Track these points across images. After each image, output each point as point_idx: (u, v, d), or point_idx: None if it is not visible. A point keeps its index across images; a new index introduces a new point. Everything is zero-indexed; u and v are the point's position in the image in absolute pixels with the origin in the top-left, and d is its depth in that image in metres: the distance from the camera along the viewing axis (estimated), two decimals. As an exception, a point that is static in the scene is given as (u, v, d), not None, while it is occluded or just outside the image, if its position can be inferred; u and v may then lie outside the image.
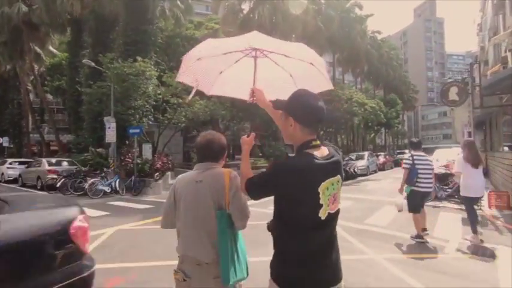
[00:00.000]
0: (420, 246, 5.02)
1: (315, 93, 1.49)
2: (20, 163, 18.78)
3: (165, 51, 20.78)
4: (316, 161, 1.36)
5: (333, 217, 1.41)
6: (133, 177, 13.15)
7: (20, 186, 16.21)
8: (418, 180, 5.18)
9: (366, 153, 22.91)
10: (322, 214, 1.35)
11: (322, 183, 1.34)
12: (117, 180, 12.58)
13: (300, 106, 1.41)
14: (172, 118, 15.43)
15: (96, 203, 10.21)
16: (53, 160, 16.87)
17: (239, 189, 1.61)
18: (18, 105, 29.56)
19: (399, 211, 5.70)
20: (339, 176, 1.42)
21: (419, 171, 5.19)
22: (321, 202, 1.34)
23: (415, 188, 5.20)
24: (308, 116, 1.41)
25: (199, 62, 1.86)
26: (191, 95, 2.29)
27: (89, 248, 2.47)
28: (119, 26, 16.18)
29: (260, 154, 40.40)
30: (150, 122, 16.47)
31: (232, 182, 1.66)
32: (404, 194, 5.41)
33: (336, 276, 1.41)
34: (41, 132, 25.22)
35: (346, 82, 34.45)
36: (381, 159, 25.94)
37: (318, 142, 1.41)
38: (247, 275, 1.68)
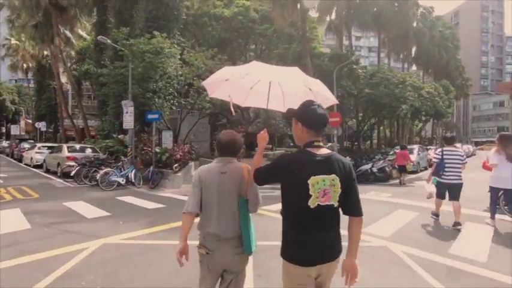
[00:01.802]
0: None
1: (319, 103, 1.82)
2: (49, 148, 18.57)
3: (191, 31, 19.23)
4: (312, 157, 1.71)
5: (325, 208, 1.70)
6: (151, 168, 11.88)
7: (45, 172, 15.82)
8: (445, 173, 5.87)
9: (416, 147, 19.77)
10: (312, 203, 1.68)
11: (313, 176, 1.66)
12: (133, 171, 11.34)
13: (308, 114, 1.78)
14: (195, 103, 13.83)
15: (103, 198, 8.97)
16: (76, 146, 16.29)
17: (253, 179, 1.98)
18: (54, 90, 30.09)
19: (428, 198, 6.47)
20: (334, 175, 1.70)
21: (447, 164, 5.85)
22: (310, 193, 1.67)
23: (441, 180, 5.95)
24: (314, 122, 1.77)
25: (227, 82, 2.35)
26: (232, 109, 2.56)
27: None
28: (141, 1, 14.73)
29: (291, 144, 38.18)
30: (173, 108, 15.07)
31: (250, 175, 1.99)
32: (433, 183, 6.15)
33: (330, 255, 1.76)
34: (71, 117, 25.18)
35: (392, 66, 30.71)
36: (432, 154, 22.56)
37: (320, 143, 1.77)
38: (256, 247, 2.08)
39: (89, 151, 15.41)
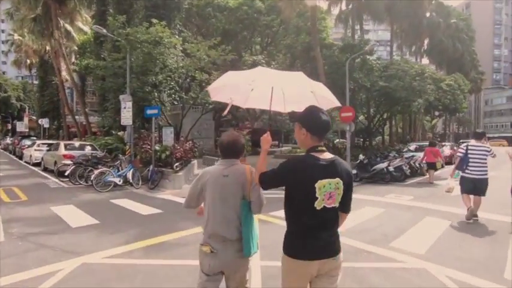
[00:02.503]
0: None
1: (323, 109, 1.92)
2: (48, 145, 17.96)
3: (194, 23, 18.31)
4: (317, 161, 1.79)
5: (330, 210, 1.80)
6: (150, 167, 11.10)
7: (42, 170, 15.19)
8: (469, 167, 5.90)
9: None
10: (318, 205, 1.76)
11: (319, 180, 1.74)
12: (131, 171, 10.57)
13: (312, 120, 1.85)
14: (198, 97, 12.95)
15: (96, 201, 8.21)
16: (75, 143, 15.63)
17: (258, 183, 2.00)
18: (57, 86, 29.52)
19: (446, 192, 6.50)
20: (338, 179, 1.79)
21: (471, 159, 5.88)
22: (316, 195, 1.74)
23: (465, 174, 5.98)
24: (317, 128, 1.84)
25: (229, 85, 2.46)
26: (226, 110, 2.67)
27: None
28: (140, -11, 13.85)
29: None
30: (175, 103, 14.23)
31: (253, 177, 2.04)
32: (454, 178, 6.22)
33: (332, 251, 1.85)
34: (73, 114, 24.58)
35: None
36: (446, 150, 21.35)
37: (324, 148, 1.85)
38: (257, 249, 2.11)
39: (88, 149, 14.69)
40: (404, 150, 17.33)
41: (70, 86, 28.57)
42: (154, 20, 11.22)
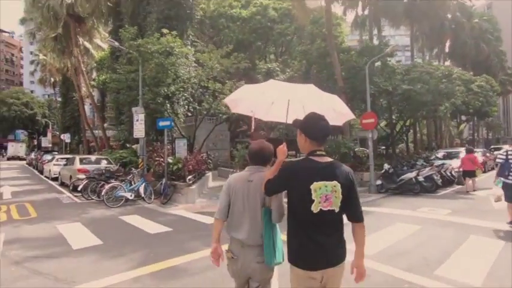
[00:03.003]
0: None
1: (321, 115, 1.92)
2: (66, 160, 18.13)
3: (207, 34, 18.22)
4: (313, 164, 1.83)
5: (327, 213, 1.78)
6: (163, 181, 10.71)
7: (60, 184, 15.22)
8: (511, 173, 5.72)
9: (462, 150, 17.31)
10: (314, 208, 1.76)
11: (315, 182, 1.77)
12: (143, 185, 10.21)
13: (310, 126, 1.91)
14: (211, 107, 12.57)
15: (105, 218, 7.82)
16: (91, 158, 15.60)
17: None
18: (77, 102, 30.36)
19: (496, 201, 6.61)
20: (335, 182, 1.79)
21: None
22: (312, 198, 1.76)
23: (507, 181, 5.78)
24: (315, 133, 1.90)
25: (248, 98, 2.54)
26: (252, 125, 2.90)
27: None
28: (153, 2, 13.83)
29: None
30: (189, 114, 13.93)
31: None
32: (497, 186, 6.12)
33: (334, 259, 1.81)
34: (91, 128, 25.02)
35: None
36: (479, 157, 19.78)
37: (322, 152, 1.88)
38: (283, 260, 2.03)
39: (104, 163, 14.63)
40: (431, 158, 16.13)
41: (91, 102, 29.38)
42: (165, 31, 11.05)
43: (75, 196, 11.35)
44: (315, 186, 1.75)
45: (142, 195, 10.03)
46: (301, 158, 1.93)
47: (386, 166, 12.01)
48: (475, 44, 30.37)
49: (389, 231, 6.05)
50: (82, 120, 27.27)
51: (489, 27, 32.08)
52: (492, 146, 31.08)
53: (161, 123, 11.03)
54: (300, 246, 1.80)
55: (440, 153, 17.64)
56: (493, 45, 33.50)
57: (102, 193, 9.41)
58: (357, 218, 1.86)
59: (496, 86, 23.16)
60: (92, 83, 23.90)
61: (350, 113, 2.46)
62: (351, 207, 1.85)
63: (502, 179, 5.91)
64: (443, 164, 13.32)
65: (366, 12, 20.94)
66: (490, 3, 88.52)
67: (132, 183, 10.64)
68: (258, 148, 2.18)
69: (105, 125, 28.51)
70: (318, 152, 1.86)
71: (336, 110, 2.34)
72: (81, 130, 30.23)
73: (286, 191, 1.91)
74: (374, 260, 4.36)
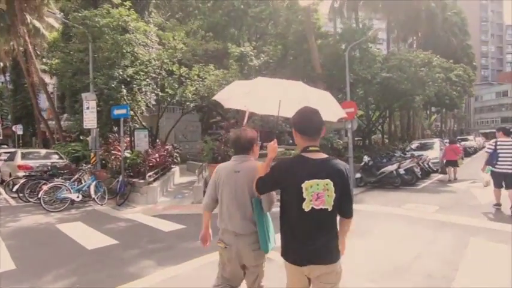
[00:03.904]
0: None
1: (314, 109, 1.86)
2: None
3: (176, 17, 16.43)
4: (305, 162, 1.77)
5: (319, 212, 1.74)
6: (120, 178, 9.27)
7: (0, 183, 13.13)
8: (498, 162, 6.27)
9: (436, 141, 17.21)
10: (306, 206, 1.73)
11: (306, 181, 1.73)
12: (94, 183, 8.71)
13: (301, 121, 1.85)
14: (175, 94, 11.12)
15: (37, 228, 6.32)
16: (40, 152, 13.58)
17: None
18: (32, 89, 27.18)
19: (485, 186, 7.07)
20: (328, 180, 1.74)
21: (500, 155, 6.25)
22: (304, 196, 1.72)
23: (495, 169, 6.36)
24: (306, 128, 1.83)
25: (242, 93, 2.54)
26: (245, 120, 2.65)
27: None
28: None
29: (290, 141, 35.55)
30: (152, 102, 12.38)
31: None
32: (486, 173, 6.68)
33: (323, 258, 1.77)
34: (44, 118, 22.43)
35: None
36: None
37: (316, 148, 1.81)
38: (275, 244, 2.09)
39: (55, 158, 12.81)
40: (407, 149, 15.86)
41: (43, 89, 26.34)
42: (116, 1, 9.35)
43: (13, 198, 9.59)
44: (306, 184, 1.73)
45: (93, 196, 8.55)
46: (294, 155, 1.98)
47: (366, 158, 11.36)
48: (446, 36, 30.86)
49: (377, 236, 5.22)
50: (35, 110, 24.39)
51: (458, 20, 32.75)
52: (458, 137, 32.25)
53: (116, 112, 9.48)
54: (291, 242, 1.82)
55: (414, 145, 17.50)
56: (461, 39, 34.40)
57: (39, 194, 7.82)
58: (347, 215, 1.88)
59: (473, 76, 23.40)
60: (43, 67, 21.18)
61: (342, 111, 2.44)
62: (343, 205, 1.83)
63: (490, 167, 6.46)
64: (421, 155, 12.98)
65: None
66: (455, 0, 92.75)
67: (83, 181, 9.12)
68: (235, 137, 2.19)
69: (66, 115, 25.83)
70: (311, 148, 1.81)
71: (329, 108, 2.34)
72: (35, 121, 27.18)
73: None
74: (369, 281, 3.45)
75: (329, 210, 1.74)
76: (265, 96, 2.46)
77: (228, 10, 19.05)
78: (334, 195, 1.74)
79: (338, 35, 14.65)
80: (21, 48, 25.08)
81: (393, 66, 12.76)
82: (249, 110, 2.55)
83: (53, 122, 23.07)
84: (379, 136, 23.52)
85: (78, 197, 8.31)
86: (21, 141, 28.40)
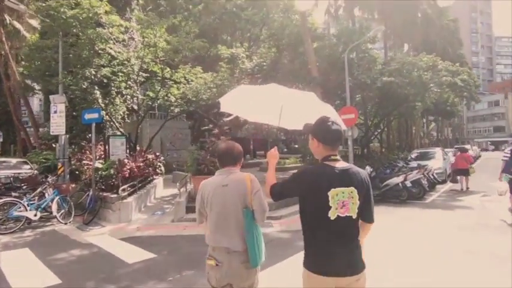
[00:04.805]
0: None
1: (334, 119, 1.88)
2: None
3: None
4: (330, 170, 1.77)
5: (344, 220, 1.73)
6: (89, 192, 8.05)
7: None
8: None
9: (438, 150, 16.35)
10: (332, 215, 1.71)
11: (332, 189, 1.72)
12: (56, 198, 7.47)
13: (323, 131, 1.85)
14: (157, 97, 10.02)
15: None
16: (10, 161, 12.27)
17: (259, 190, 2.03)
18: (11, 94, 25.79)
19: (500, 195, 7.11)
20: (352, 188, 1.75)
21: None
22: (330, 204, 1.71)
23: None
24: (328, 138, 1.84)
25: (243, 99, 2.54)
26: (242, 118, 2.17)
27: None
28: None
29: (285, 149, 34.43)
30: (133, 106, 11.23)
31: (253, 185, 2.02)
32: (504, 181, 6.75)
33: (351, 268, 1.73)
34: (23, 125, 21.07)
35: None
36: (451, 157, 19.07)
37: (337, 157, 1.83)
38: (264, 258, 2.03)
39: (26, 168, 11.57)
40: (408, 158, 14.91)
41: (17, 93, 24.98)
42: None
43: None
44: (332, 192, 1.72)
45: (54, 214, 7.29)
46: (317, 163, 1.88)
47: (368, 169, 10.30)
48: (441, 44, 30.48)
49: (401, 276, 4.10)
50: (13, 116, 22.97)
51: (454, 29, 32.52)
52: (456, 146, 31.65)
53: (87, 116, 8.28)
54: (317, 252, 1.77)
55: (414, 154, 16.58)
56: (455, 48, 34.17)
57: (-13, 214, 6.56)
58: (369, 220, 1.87)
59: (478, 81, 22.70)
60: (20, 69, 19.92)
61: (343, 124, 2.24)
62: (366, 211, 1.84)
63: (508, 175, 6.59)
64: (425, 165, 12.02)
65: (340, 2, 19.49)
66: (449, 4, 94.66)
67: (46, 195, 7.87)
68: (226, 148, 2.13)
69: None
70: (332, 157, 1.82)
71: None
72: (15, 127, 25.69)
73: (298, 197, 1.84)
74: None
75: (353, 217, 1.77)
76: (267, 104, 2.43)
77: (220, 13, 18.21)
78: (358, 203, 1.77)
79: (334, 36, 13.77)
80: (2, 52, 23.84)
81: (395, 70, 11.88)
82: (244, 117, 2.52)
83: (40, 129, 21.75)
84: (376, 145, 22.64)
85: (35, 215, 7.04)
86: (0, 150, 26.86)
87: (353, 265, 1.74)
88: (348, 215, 1.73)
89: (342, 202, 1.71)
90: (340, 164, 1.79)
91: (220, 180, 2.03)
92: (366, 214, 1.83)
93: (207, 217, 2.06)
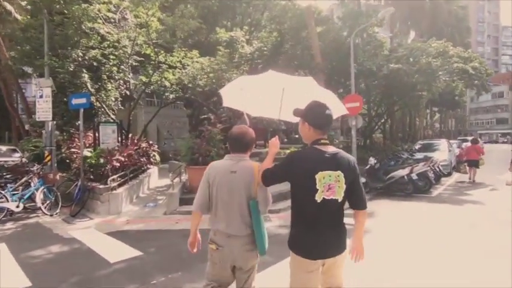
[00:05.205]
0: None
1: (324, 103, 1.90)
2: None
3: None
4: (319, 153, 1.80)
5: (330, 202, 1.77)
6: (78, 183, 7.62)
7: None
8: None
9: (443, 141, 15.80)
10: (318, 197, 1.76)
11: (320, 172, 1.75)
12: (41, 189, 7.03)
13: (313, 114, 1.88)
14: (150, 82, 9.45)
15: None
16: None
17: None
18: (2, 79, 25.12)
19: (507, 185, 7.74)
20: (339, 172, 1.78)
21: None
22: (316, 187, 1.75)
23: None
24: (319, 121, 1.86)
25: (243, 91, 2.45)
26: (247, 120, 2.56)
27: None
28: None
29: (285, 139, 33.98)
30: (126, 92, 10.68)
31: (259, 176, 2.01)
32: None
33: (335, 248, 1.82)
34: (17, 111, 20.49)
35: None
36: (456, 149, 18.49)
37: (327, 141, 1.86)
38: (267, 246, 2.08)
39: (16, 156, 11.25)
40: (412, 150, 14.38)
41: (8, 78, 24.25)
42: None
43: None
44: (319, 175, 1.75)
45: (38, 205, 6.86)
46: (305, 147, 1.90)
47: (372, 161, 9.83)
48: (449, 31, 29.46)
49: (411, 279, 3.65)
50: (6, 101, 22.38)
51: (463, 16, 31.35)
52: (459, 138, 31.00)
53: (74, 101, 7.75)
54: (301, 234, 1.82)
55: (418, 145, 16.07)
56: (463, 36, 33.11)
57: (-38, 205, 6.12)
58: (361, 206, 1.88)
59: (490, 70, 21.87)
60: (12, 54, 19.23)
61: (344, 108, 2.44)
62: (355, 195, 1.85)
63: None
64: (431, 157, 11.53)
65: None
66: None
67: (32, 185, 7.42)
68: (239, 133, 2.09)
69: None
70: (322, 141, 1.85)
71: (335, 105, 2.31)
72: (10, 114, 25.14)
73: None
74: None
75: (339, 201, 1.79)
76: (267, 93, 2.38)
77: (219, -4, 17.33)
78: (344, 186, 1.78)
79: (340, 19, 13.00)
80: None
81: (403, 56, 11.22)
82: (246, 111, 2.55)
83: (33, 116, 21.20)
84: (379, 136, 22.07)
85: (17, 206, 6.61)
86: (-6, 137, 26.39)
87: (336, 247, 1.81)
88: (333, 198, 1.76)
89: (328, 185, 1.75)
90: (329, 149, 1.83)
91: (230, 166, 2.04)
92: (356, 201, 1.86)
93: (212, 201, 2.05)
